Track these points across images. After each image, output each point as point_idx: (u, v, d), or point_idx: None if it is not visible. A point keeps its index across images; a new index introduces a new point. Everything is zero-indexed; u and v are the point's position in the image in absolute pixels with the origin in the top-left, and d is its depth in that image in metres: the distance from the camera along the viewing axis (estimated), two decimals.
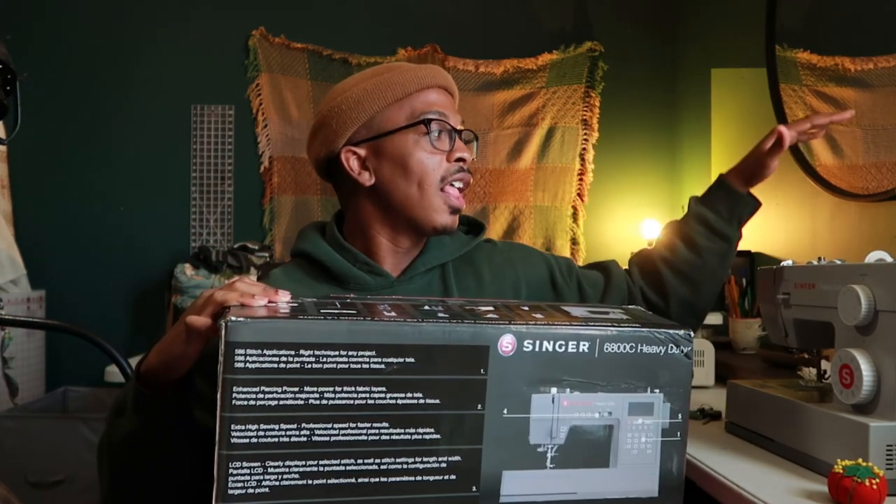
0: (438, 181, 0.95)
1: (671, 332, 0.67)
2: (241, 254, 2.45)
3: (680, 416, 0.67)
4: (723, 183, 1.10)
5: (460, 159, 0.97)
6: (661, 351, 0.67)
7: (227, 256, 2.43)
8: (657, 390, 0.67)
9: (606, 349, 0.65)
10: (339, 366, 0.60)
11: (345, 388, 0.60)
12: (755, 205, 1.10)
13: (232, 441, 0.58)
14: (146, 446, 0.78)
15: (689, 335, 0.68)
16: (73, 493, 2.03)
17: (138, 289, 2.66)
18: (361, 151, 0.97)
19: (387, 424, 0.61)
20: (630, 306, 0.80)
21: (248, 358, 0.58)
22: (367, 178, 0.97)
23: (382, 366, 0.61)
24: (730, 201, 1.08)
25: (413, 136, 0.95)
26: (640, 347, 0.66)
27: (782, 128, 1.04)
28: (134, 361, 2.08)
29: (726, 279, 1.15)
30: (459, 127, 0.99)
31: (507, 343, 0.63)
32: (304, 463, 0.60)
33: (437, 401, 0.62)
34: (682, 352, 0.67)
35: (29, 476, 2.01)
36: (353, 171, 0.98)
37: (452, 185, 0.96)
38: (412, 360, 0.61)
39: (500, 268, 1.06)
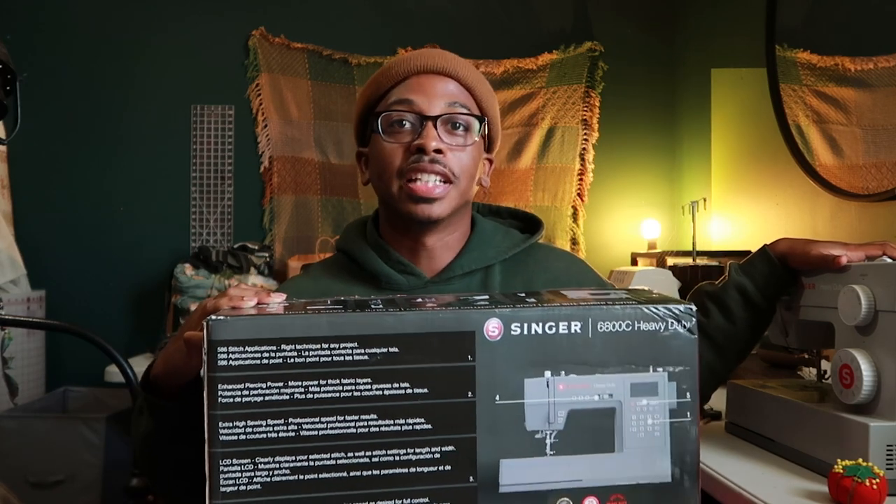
0: (396, 174, 0.90)
1: (671, 307, 0.64)
2: (241, 254, 2.45)
3: (688, 395, 0.64)
4: (767, 257, 1.03)
5: (419, 149, 0.89)
6: (661, 328, 0.63)
7: (227, 256, 2.43)
8: (660, 369, 0.63)
9: (600, 328, 0.63)
10: (322, 359, 0.60)
11: (329, 381, 0.60)
12: (794, 284, 1.04)
13: (221, 439, 0.59)
14: (165, 444, 0.81)
15: (691, 309, 0.64)
16: (73, 493, 2.03)
17: (138, 289, 2.66)
18: (365, 150, 0.99)
19: (375, 416, 0.60)
20: (635, 287, 0.78)
21: (230, 355, 0.59)
22: (364, 177, 0.99)
23: (366, 357, 0.60)
24: (771, 275, 1.03)
25: (376, 132, 0.93)
26: (637, 325, 0.63)
27: (843, 259, 0.94)
28: (134, 361, 2.08)
29: (751, 349, 1.10)
30: (437, 113, 0.91)
31: (492, 327, 0.62)
32: (294, 458, 0.59)
33: (425, 390, 0.61)
34: (685, 327, 0.64)
35: (29, 476, 2.01)
36: (361, 169, 1.00)
37: (415, 177, 0.89)
38: (396, 349, 0.60)
39: (556, 276, 0.99)
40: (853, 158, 1.69)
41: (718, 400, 1.23)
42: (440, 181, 0.90)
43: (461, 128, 0.93)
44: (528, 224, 1.06)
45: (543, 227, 1.04)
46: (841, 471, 0.82)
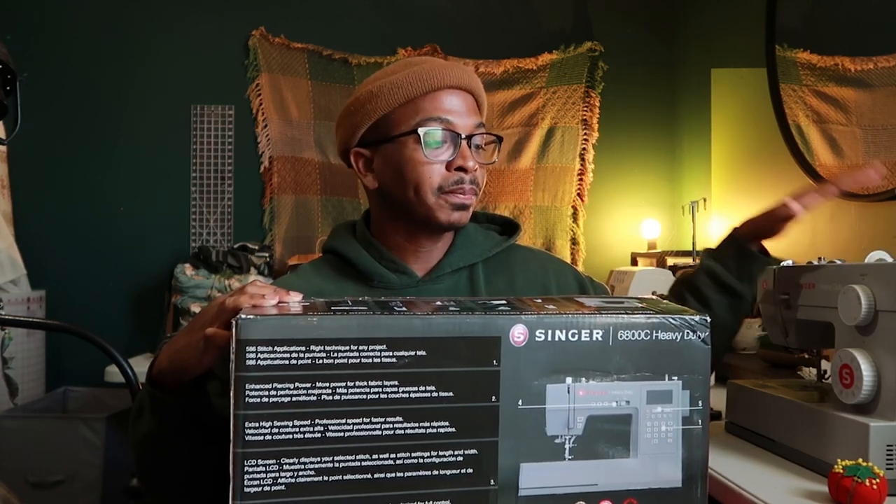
0: (435, 190, 0.93)
1: (687, 317, 0.66)
2: (241, 254, 2.45)
3: (700, 403, 0.66)
4: (734, 239, 1.09)
5: (460, 168, 0.93)
6: (677, 337, 0.65)
7: (227, 256, 2.43)
8: (675, 377, 0.65)
9: (621, 337, 0.64)
10: (351, 361, 0.60)
11: (357, 383, 0.60)
12: (766, 261, 1.09)
13: (246, 439, 0.58)
14: (166, 444, 0.80)
15: (706, 320, 0.66)
16: (73, 493, 2.03)
17: (138, 289, 2.66)
18: (367, 153, 0.98)
19: (401, 418, 0.61)
20: (645, 296, 0.79)
21: (259, 355, 0.59)
22: (371, 181, 0.98)
23: (394, 360, 0.61)
24: (739, 257, 1.07)
25: (410, 143, 0.93)
26: (655, 334, 0.65)
27: (790, 202, 1.03)
28: (134, 361, 2.08)
29: (735, 333, 1.14)
30: (468, 132, 0.94)
31: (518, 333, 0.63)
32: (319, 459, 0.60)
33: (451, 393, 0.61)
34: (700, 337, 0.66)
35: (29, 476, 2.01)
36: (360, 172, 0.99)
37: (455, 193, 0.94)
38: (423, 353, 0.61)
39: (535, 274, 1.03)
40: (853, 158, 1.69)
41: (718, 400, 1.23)
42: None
43: (485, 146, 0.99)
44: (506, 227, 1.10)
45: (521, 230, 1.07)
46: (841, 471, 0.82)
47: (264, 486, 0.59)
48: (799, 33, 1.94)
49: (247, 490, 0.58)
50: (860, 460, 0.83)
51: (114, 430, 2.08)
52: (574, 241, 2.72)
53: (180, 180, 2.68)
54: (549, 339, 0.63)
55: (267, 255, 2.50)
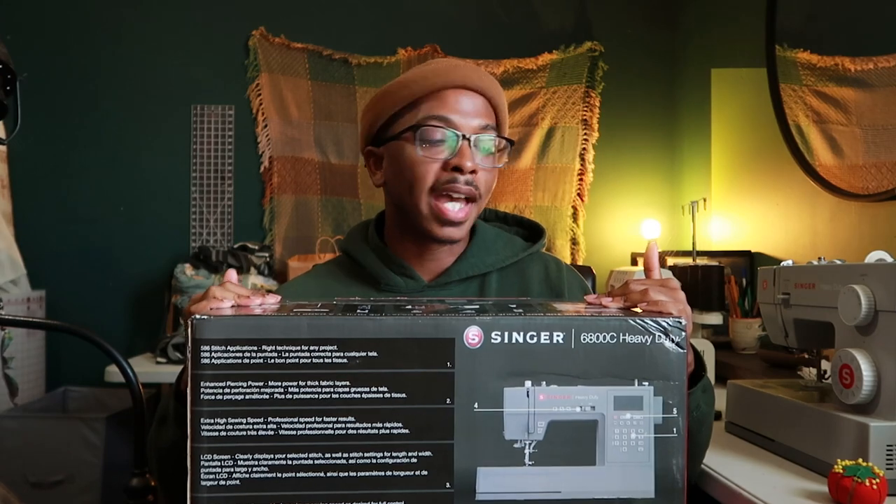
0: (428, 190, 0.92)
1: (660, 320, 0.63)
2: (241, 254, 2.45)
3: (675, 410, 0.63)
4: None
5: (457, 168, 0.91)
6: (647, 341, 0.62)
7: (227, 256, 2.43)
8: (646, 383, 0.63)
9: (584, 339, 0.62)
10: (302, 360, 0.61)
11: (308, 383, 0.61)
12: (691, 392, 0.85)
13: (202, 434, 0.60)
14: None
15: (681, 323, 0.63)
16: (73, 493, 2.03)
17: (138, 289, 2.66)
18: (378, 151, 0.98)
19: (353, 419, 0.61)
20: None
21: (213, 354, 0.60)
22: (378, 178, 0.99)
23: (345, 360, 0.61)
24: None
25: (410, 141, 0.92)
26: (622, 337, 0.62)
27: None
28: (134, 361, 2.08)
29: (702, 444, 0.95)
30: (471, 133, 0.92)
31: (472, 335, 0.62)
32: (272, 456, 0.61)
33: (404, 395, 0.62)
34: (674, 341, 0.63)
35: (29, 476, 2.01)
36: (371, 170, 1.00)
37: (448, 195, 0.92)
38: (375, 354, 0.61)
39: (554, 287, 1.00)
40: (853, 158, 1.69)
41: (719, 400, 1.23)
42: (466, 201, 0.93)
43: (492, 148, 0.95)
44: (533, 232, 1.07)
45: (545, 236, 1.05)
46: (841, 471, 0.82)
47: (220, 480, 0.60)
48: (799, 33, 1.94)
49: (203, 483, 0.60)
50: (860, 460, 0.83)
51: (114, 430, 2.08)
52: (574, 241, 2.72)
53: (180, 180, 2.68)
54: (506, 341, 0.62)
55: (267, 255, 2.50)
